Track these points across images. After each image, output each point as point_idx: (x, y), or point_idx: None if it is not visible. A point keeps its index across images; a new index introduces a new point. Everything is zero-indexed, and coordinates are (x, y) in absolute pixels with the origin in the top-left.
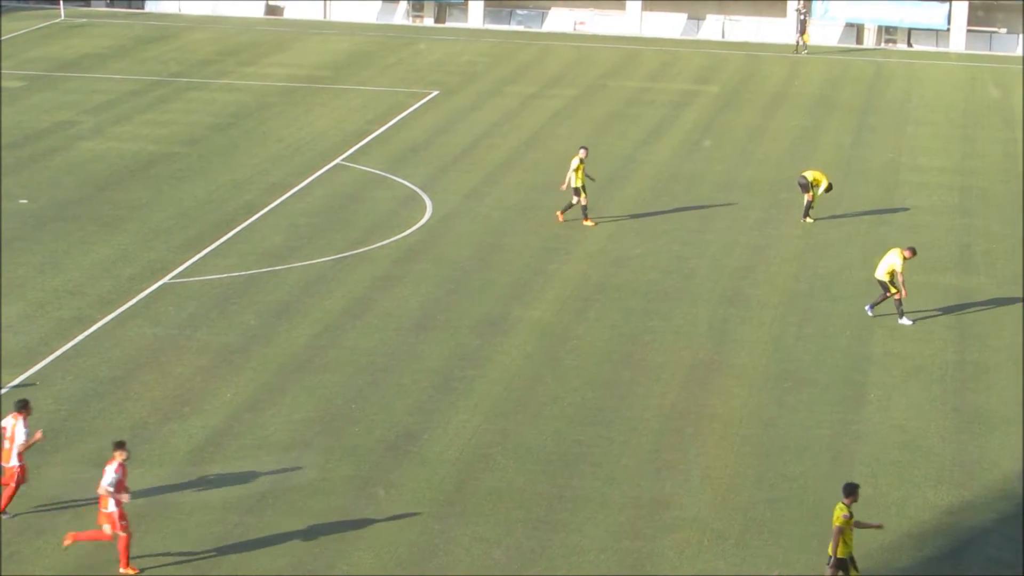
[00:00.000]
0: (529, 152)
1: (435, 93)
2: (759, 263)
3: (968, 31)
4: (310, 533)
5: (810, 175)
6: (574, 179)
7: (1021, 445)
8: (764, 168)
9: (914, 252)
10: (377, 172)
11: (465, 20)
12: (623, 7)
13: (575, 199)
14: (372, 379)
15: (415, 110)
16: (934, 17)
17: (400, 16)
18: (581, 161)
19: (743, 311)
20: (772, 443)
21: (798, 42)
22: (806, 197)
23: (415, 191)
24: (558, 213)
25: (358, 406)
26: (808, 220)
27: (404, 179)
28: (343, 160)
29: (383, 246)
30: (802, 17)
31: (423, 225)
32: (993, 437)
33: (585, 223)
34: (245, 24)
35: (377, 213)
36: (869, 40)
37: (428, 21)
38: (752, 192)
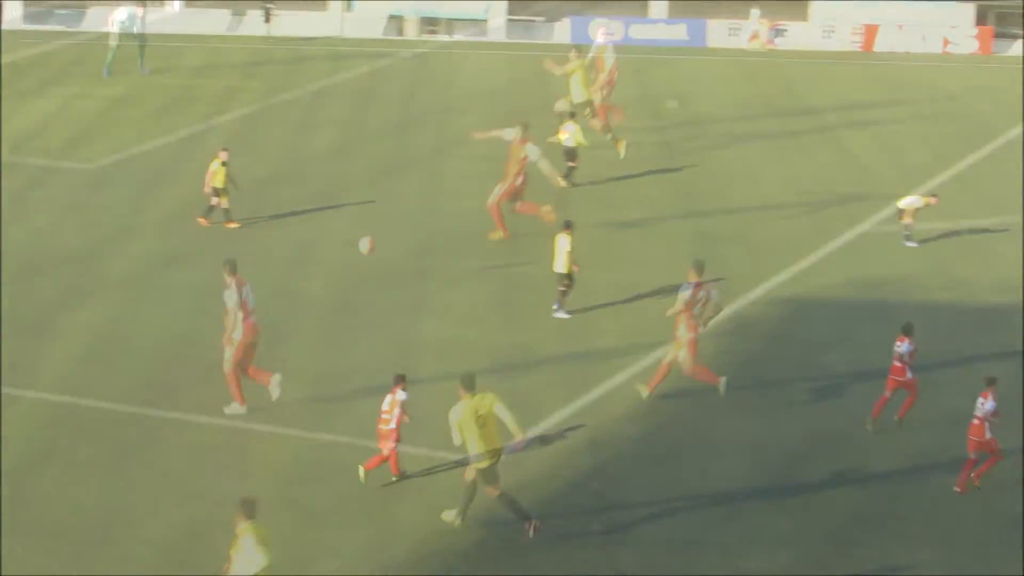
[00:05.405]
0: None
1: None
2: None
3: (508, 21)
4: None
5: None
6: (216, 181)
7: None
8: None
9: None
10: None
11: None
12: None
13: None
14: None
15: None
16: (472, 8)
17: None
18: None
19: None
20: None
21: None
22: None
23: None
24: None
25: None
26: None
27: None
28: None
29: None
30: (269, 7)
31: None
32: None
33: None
34: None
35: None
36: (411, 32)
37: None
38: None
